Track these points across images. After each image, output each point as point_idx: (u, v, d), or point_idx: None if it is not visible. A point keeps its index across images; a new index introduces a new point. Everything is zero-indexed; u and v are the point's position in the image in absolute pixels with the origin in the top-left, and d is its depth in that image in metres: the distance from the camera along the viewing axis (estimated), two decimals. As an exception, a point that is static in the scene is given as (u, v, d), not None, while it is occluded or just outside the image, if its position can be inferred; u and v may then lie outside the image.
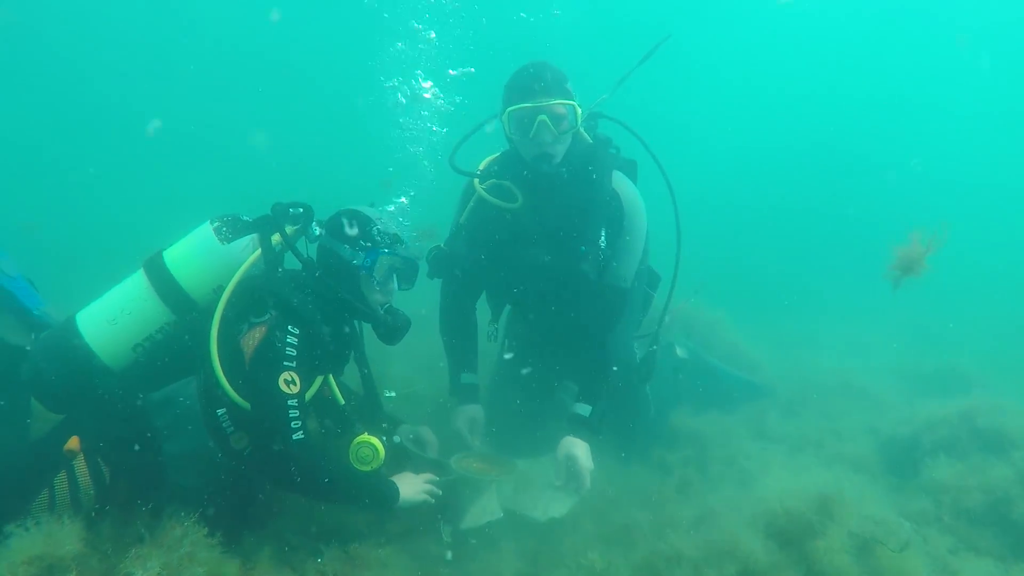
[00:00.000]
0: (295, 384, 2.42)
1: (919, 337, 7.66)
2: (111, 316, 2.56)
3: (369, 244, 2.69)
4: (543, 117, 2.90)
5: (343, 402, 2.86)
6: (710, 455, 3.78)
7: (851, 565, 2.41)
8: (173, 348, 2.59)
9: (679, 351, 4.59)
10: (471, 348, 3.51)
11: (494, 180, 3.22)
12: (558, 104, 2.91)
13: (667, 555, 2.55)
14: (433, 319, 3.63)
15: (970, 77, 22.06)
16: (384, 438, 2.68)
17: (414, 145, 4.49)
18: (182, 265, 2.60)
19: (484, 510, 2.83)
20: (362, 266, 2.67)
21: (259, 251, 2.64)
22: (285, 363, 2.42)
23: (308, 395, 2.57)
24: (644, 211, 3.24)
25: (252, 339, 2.45)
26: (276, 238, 2.68)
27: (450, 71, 4.69)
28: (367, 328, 2.88)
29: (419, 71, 4.65)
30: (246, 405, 2.43)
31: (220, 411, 2.48)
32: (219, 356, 2.43)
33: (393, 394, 3.35)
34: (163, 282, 2.58)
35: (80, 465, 2.41)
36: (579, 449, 2.95)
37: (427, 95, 4.55)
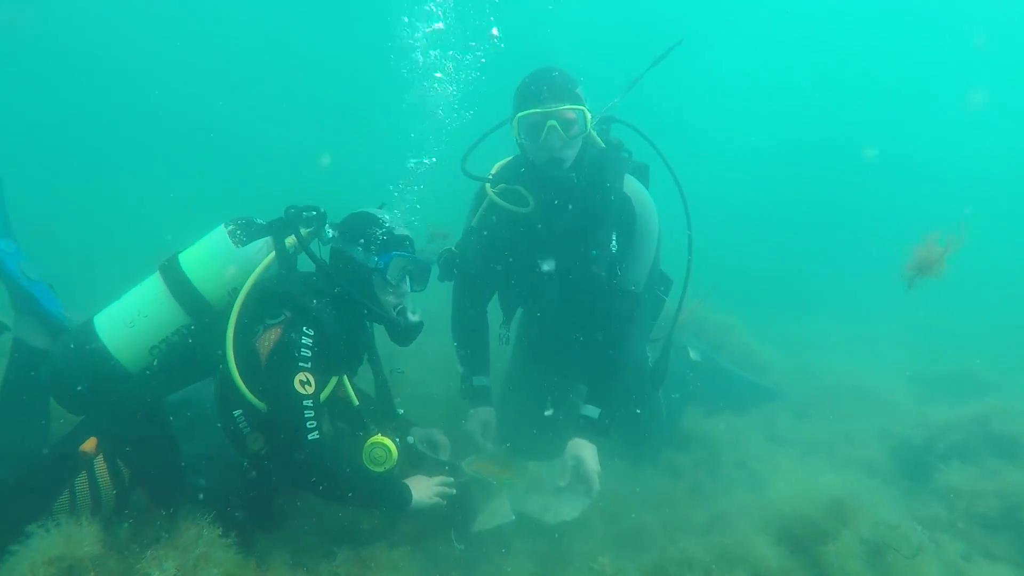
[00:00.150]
0: (310, 385, 2.45)
1: (931, 338, 7.59)
2: (128, 319, 2.59)
3: (381, 246, 2.72)
4: (552, 122, 2.91)
5: (357, 403, 2.89)
6: (721, 458, 3.77)
7: (863, 571, 2.41)
8: (189, 350, 2.62)
9: (692, 354, 4.58)
10: (483, 351, 3.52)
11: (505, 184, 3.24)
12: (568, 109, 2.92)
13: (678, 559, 2.55)
14: (444, 320, 3.65)
15: (985, 73, 21.83)
16: (397, 439, 2.71)
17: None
18: (197, 268, 2.64)
19: (496, 513, 2.85)
20: (375, 268, 2.70)
21: (273, 253, 2.68)
22: (300, 364, 2.45)
23: (323, 396, 2.59)
24: (656, 215, 3.24)
25: (267, 340, 2.48)
26: (290, 240, 2.72)
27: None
28: (380, 330, 2.91)
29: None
30: (262, 406, 2.46)
31: (236, 412, 2.52)
32: (235, 357, 2.46)
33: (404, 370, 3.38)
34: (179, 285, 2.61)
35: (100, 466, 2.44)
36: (587, 451, 2.96)
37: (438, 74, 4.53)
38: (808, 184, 18.52)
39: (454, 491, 2.81)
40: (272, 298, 2.56)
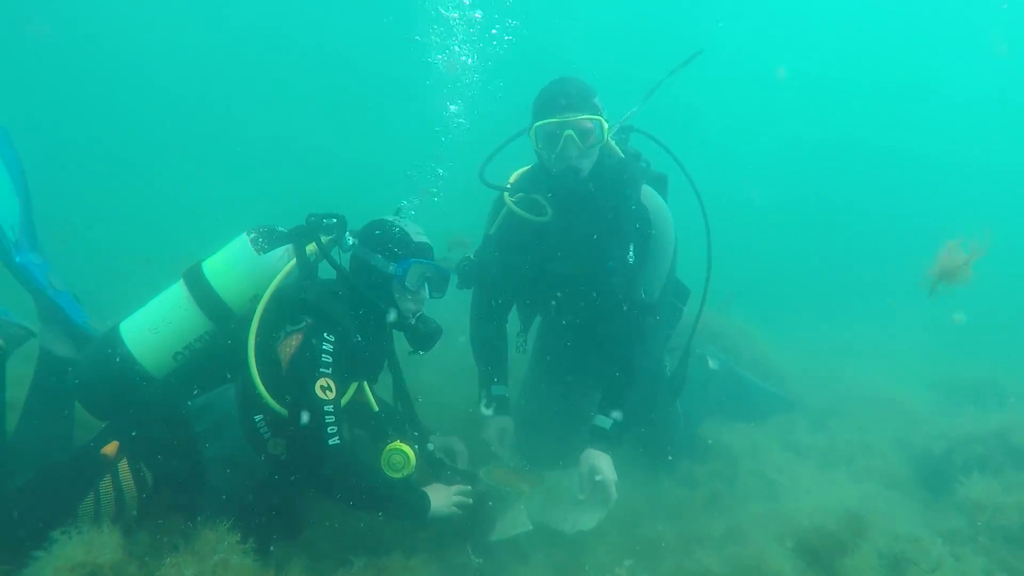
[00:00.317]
0: (331, 390, 2.47)
1: (952, 342, 7.46)
2: (153, 325, 2.64)
3: (401, 253, 2.75)
4: (569, 132, 2.92)
5: (376, 409, 2.91)
6: (739, 468, 3.73)
7: (881, 585, 2.39)
8: (212, 356, 2.67)
9: (711, 363, 4.56)
10: (502, 359, 3.52)
11: (524, 193, 3.25)
12: (585, 119, 2.93)
13: (694, 570, 2.54)
14: (461, 327, 3.66)
15: (1008, 72, 21.48)
16: (416, 446, 2.73)
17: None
18: (220, 275, 2.69)
19: (513, 522, 2.84)
20: (394, 275, 2.73)
21: (294, 261, 2.72)
22: (321, 369, 2.47)
23: (343, 401, 2.62)
24: (672, 226, 3.24)
25: (289, 346, 2.51)
26: (311, 248, 2.77)
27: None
28: (399, 337, 2.93)
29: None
30: (283, 411, 2.49)
31: (257, 417, 2.57)
32: (256, 363, 2.49)
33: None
34: (202, 292, 2.66)
35: (123, 470, 2.48)
36: (602, 461, 2.94)
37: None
38: (825, 187, 18.36)
39: (471, 500, 2.82)
40: (293, 304, 2.59)
